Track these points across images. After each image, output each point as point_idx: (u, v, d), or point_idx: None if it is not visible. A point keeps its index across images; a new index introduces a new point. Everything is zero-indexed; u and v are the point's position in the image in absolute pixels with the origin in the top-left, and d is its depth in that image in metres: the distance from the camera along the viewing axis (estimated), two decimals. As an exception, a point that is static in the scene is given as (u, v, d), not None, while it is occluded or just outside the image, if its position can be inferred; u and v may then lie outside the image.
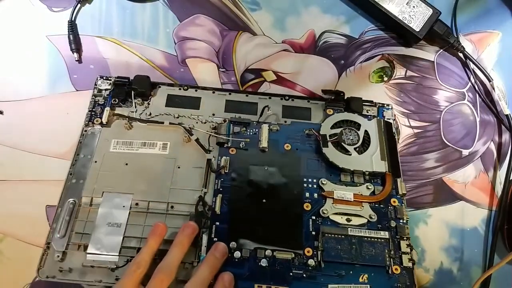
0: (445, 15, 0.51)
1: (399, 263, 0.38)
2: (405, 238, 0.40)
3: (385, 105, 0.48)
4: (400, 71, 0.52)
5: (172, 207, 0.40)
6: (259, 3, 0.53)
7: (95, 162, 0.41)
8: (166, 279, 0.33)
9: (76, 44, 0.49)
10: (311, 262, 0.38)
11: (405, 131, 0.49)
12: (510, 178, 0.47)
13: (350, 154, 0.43)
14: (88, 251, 0.37)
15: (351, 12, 0.53)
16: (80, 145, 0.43)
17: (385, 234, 0.39)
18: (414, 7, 0.50)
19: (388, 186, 0.42)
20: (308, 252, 0.38)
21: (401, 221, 0.40)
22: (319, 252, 0.38)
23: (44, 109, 0.47)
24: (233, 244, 0.38)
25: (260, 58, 0.51)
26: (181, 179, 0.41)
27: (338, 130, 0.44)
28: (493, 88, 0.51)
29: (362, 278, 0.38)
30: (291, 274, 0.37)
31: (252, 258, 0.38)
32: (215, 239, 0.38)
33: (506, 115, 0.50)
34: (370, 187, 0.42)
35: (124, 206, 0.39)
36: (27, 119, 0.46)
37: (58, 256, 0.37)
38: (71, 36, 0.49)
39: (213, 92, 0.47)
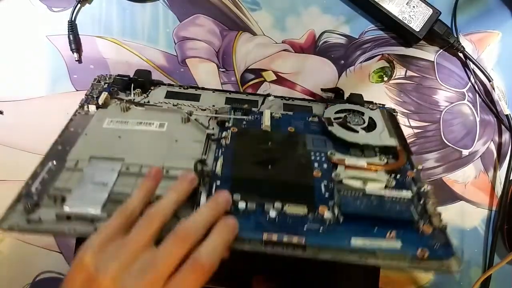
0: (445, 15, 0.50)
1: (429, 223, 0.33)
2: (431, 202, 0.34)
3: (385, 106, 0.48)
4: (400, 71, 0.52)
5: (167, 171, 0.35)
6: (259, 3, 0.53)
7: (85, 134, 0.39)
8: (157, 220, 0.28)
9: (76, 44, 0.49)
10: (328, 215, 0.32)
11: (405, 131, 0.49)
12: (510, 178, 0.48)
13: (358, 132, 0.40)
14: (66, 203, 0.31)
15: (351, 12, 0.53)
16: (71, 122, 0.40)
17: (408, 194, 0.34)
18: (414, 7, 0.50)
19: (402, 158, 0.38)
20: (323, 209, 0.32)
21: (423, 188, 0.35)
22: (336, 208, 0.33)
23: (44, 109, 0.47)
24: (237, 195, 0.32)
25: (260, 58, 0.51)
26: (178, 150, 0.37)
27: (342, 115, 0.42)
28: (493, 88, 0.51)
29: (389, 234, 0.31)
30: (305, 229, 0.31)
31: (258, 210, 0.32)
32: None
33: (506, 115, 0.50)
34: (383, 159, 0.38)
35: (113, 169, 0.35)
36: (27, 119, 0.46)
37: (29, 206, 0.31)
38: (71, 36, 0.49)
39: (213, 92, 0.47)
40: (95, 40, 0.51)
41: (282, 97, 0.47)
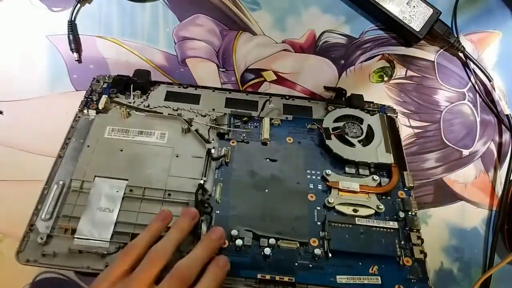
0: (445, 15, 0.50)
1: (410, 255, 0.37)
2: (414, 230, 0.38)
3: (386, 106, 0.48)
4: (400, 71, 0.52)
5: (169, 194, 0.38)
6: (259, 3, 0.52)
7: (88, 146, 0.40)
8: (159, 261, 0.30)
9: (76, 44, 0.49)
10: (317, 252, 0.36)
11: (406, 131, 0.49)
12: (510, 178, 0.47)
13: (354, 146, 0.42)
14: (76, 235, 0.34)
15: (351, 12, 0.53)
16: (72, 129, 0.41)
17: (394, 224, 0.38)
18: (414, 7, 0.50)
19: (395, 178, 0.41)
20: (314, 242, 0.36)
21: (409, 213, 0.39)
22: (325, 242, 0.36)
23: (44, 109, 0.47)
24: (234, 232, 0.36)
25: (260, 58, 0.51)
26: (179, 168, 0.39)
27: (340, 124, 0.44)
28: (494, 88, 0.51)
29: (372, 269, 0.36)
30: (296, 264, 0.35)
31: (254, 246, 0.36)
32: None
33: (507, 115, 0.50)
34: (376, 179, 0.40)
35: (117, 192, 0.37)
36: (27, 119, 0.46)
37: (42, 239, 0.34)
38: (70, 36, 0.49)
39: (213, 91, 0.47)
40: (95, 40, 0.50)
41: (282, 96, 0.47)
